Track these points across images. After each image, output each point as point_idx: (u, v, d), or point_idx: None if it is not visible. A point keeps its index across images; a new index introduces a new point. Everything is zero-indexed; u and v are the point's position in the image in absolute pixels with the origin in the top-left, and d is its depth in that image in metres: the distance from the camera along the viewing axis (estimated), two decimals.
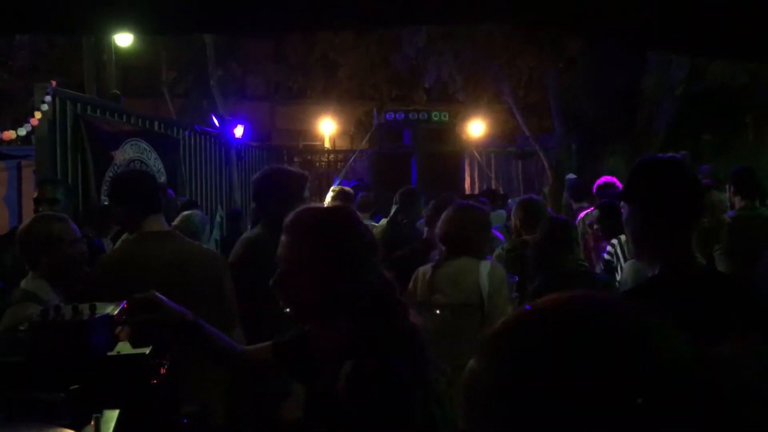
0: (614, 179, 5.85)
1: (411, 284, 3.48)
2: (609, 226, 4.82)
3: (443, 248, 3.53)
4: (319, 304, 1.70)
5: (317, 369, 1.74)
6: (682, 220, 1.90)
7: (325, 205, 1.88)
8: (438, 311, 3.40)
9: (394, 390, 1.54)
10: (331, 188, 6.85)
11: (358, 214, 1.92)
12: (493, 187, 15.23)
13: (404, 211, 5.28)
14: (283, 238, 1.74)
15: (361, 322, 1.66)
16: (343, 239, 1.70)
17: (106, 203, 5.88)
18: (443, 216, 3.58)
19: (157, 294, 1.74)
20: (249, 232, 3.57)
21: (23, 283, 2.87)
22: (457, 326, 3.32)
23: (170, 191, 6.72)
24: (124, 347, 1.54)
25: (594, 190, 6.20)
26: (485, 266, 3.48)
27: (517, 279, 4.18)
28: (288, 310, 1.75)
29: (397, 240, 4.84)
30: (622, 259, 4.61)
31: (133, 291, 1.71)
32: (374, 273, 1.73)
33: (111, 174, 6.97)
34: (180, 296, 1.80)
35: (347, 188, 6.79)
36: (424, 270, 3.50)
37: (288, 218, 1.76)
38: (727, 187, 5.60)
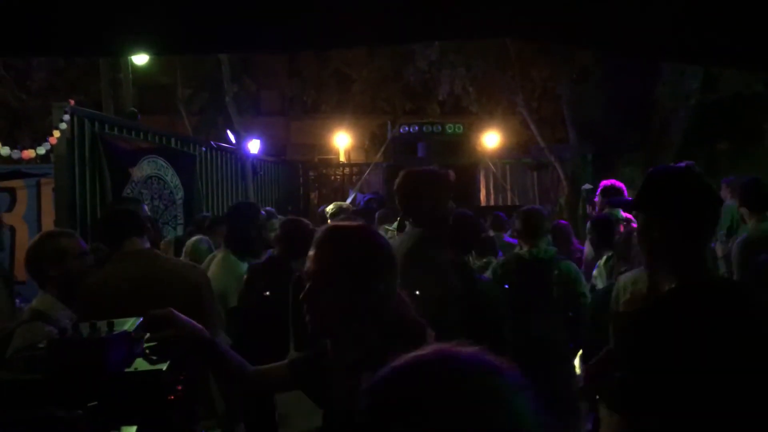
0: (621, 184, 5.71)
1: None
2: (600, 240, 4.79)
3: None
4: (342, 318, 1.74)
5: (335, 385, 1.76)
6: (699, 231, 1.87)
7: (348, 223, 1.90)
8: None
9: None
10: (332, 204, 6.86)
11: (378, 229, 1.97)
12: (509, 198, 15.20)
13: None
14: (311, 252, 1.78)
15: (379, 335, 1.69)
16: (367, 255, 1.74)
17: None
18: None
19: (174, 311, 1.77)
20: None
21: (34, 302, 2.93)
22: None
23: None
24: (141, 364, 1.57)
25: (598, 192, 6.04)
26: None
27: (507, 287, 4.20)
28: (311, 324, 1.78)
29: None
30: (599, 281, 4.59)
31: (116, 310, 1.73)
32: (393, 290, 1.77)
33: (129, 191, 7.05)
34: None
35: (344, 204, 6.78)
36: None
37: (317, 234, 1.81)
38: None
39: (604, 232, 4.71)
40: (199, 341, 1.80)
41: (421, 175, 3.46)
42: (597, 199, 5.74)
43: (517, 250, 4.55)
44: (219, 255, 4.43)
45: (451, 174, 3.55)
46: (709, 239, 1.92)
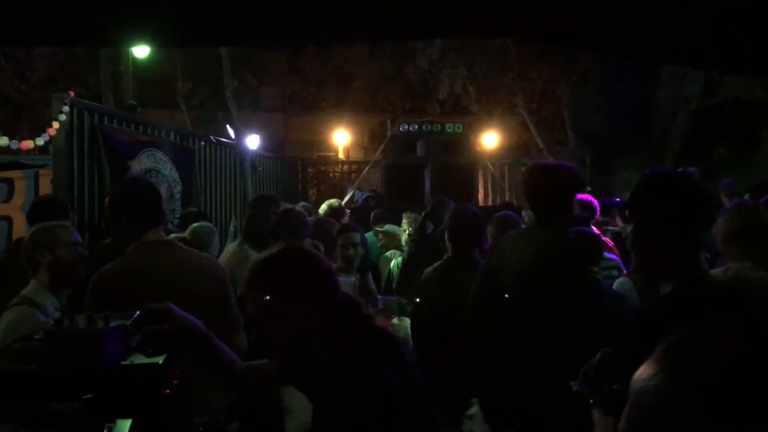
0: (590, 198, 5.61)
1: None
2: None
3: None
4: (296, 344, 1.78)
5: (321, 384, 1.78)
6: (694, 234, 1.87)
7: (278, 249, 1.89)
8: None
9: (387, 398, 1.59)
10: (325, 202, 6.85)
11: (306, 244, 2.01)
12: (507, 198, 15.19)
13: (434, 218, 5.23)
14: (247, 295, 1.83)
15: (339, 344, 1.72)
16: (299, 281, 1.76)
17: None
18: None
19: (170, 304, 1.77)
20: None
21: (24, 291, 3.02)
22: None
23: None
24: (137, 357, 1.56)
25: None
26: None
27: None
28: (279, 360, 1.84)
29: (427, 252, 4.80)
30: None
31: (137, 300, 1.73)
32: (336, 295, 1.80)
33: None
34: (184, 304, 1.82)
35: (336, 203, 6.76)
36: None
37: (245, 276, 1.82)
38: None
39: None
40: (195, 335, 1.80)
41: (548, 170, 3.31)
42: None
43: None
44: (234, 246, 4.44)
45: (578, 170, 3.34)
46: (704, 242, 1.91)
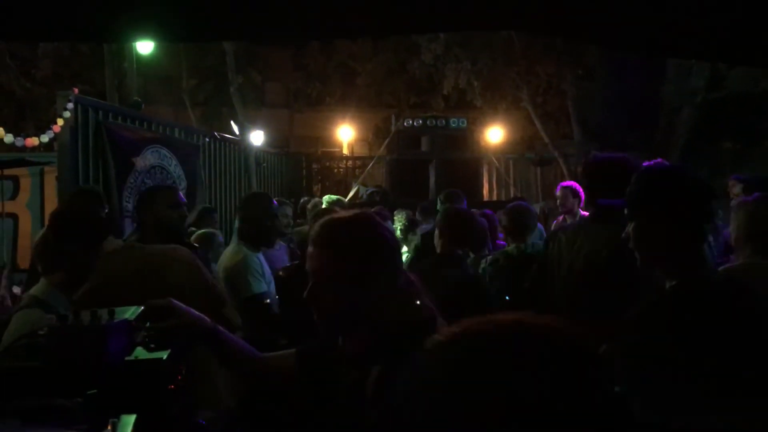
0: (578, 186, 5.50)
1: None
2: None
3: None
4: (347, 314, 1.71)
5: (342, 377, 1.75)
6: (696, 228, 1.85)
7: (344, 214, 1.85)
8: None
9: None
10: (324, 198, 6.85)
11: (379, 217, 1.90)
12: (512, 193, 15.17)
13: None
14: (309, 249, 1.74)
15: (387, 327, 1.67)
16: (366, 247, 1.70)
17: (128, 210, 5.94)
18: None
19: (174, 300, 1.76)
20: None
21: (33, 290, 2.97)
22: None
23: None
24: (141, 352, 1.56)
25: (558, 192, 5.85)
26: None
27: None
28: (318, 321, 1.76)
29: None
30: None
31: (111, 305, 1.70)
32: (399, 276, 1.74)
33: (132, 180, 7.04)
34: (166, 294, 1.80)
35: (335, 199, 6.77)
36: None
37: (313, 230, 1.77)
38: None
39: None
40: (201, 330, 1.79)
41: (604, 163, 3.16)
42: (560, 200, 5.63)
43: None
44: (231, 247, 4.44)
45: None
46: (707, 235, 1.89)
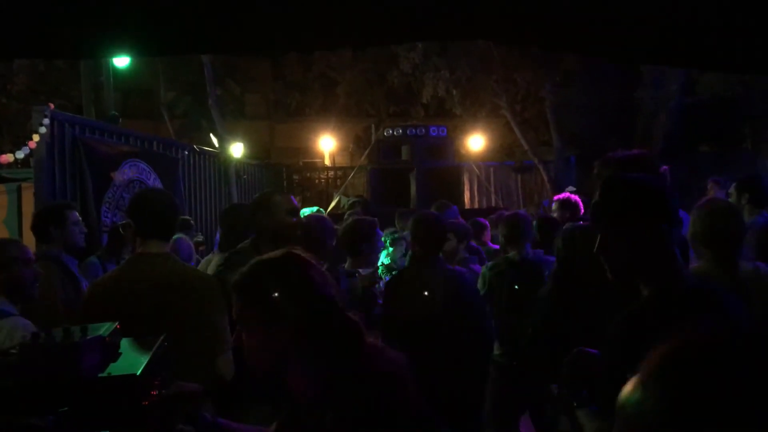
0: (576, 197, 5.59)
1: None
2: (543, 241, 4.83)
3: None
4: (279, 362, 1.62)
5: (302, 418, 1.64)
6: (667, 235, 1.85)
7: (273, 255, 1.74)
8: None
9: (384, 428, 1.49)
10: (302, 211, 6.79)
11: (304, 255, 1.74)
12: (493, 201, 15.24)
13: None
14: (233, 299, 1.67)
15: (331, 368, 1.57)
16: (292, 293, 1.60)
17: (114, 224, 5.89)
18: None
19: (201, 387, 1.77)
20: None
21: None
22: None
23: None
24: (114, 369, 1.54)
25: (553, 206, 5.91)
26: None
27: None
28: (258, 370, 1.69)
29: None
30: None
31: (115, 313, 1.68)
32: (335, 311, 1.63)
33: (110, 194, 6.98)
34: (155, 319, 1.79)
35: (317, 210, 6.71)
36: None
37: (235, 278, 1.68)
38: (731, 194, 5.30)
39: (551, 232, 4.67)
40: (203, 427, 1.76)
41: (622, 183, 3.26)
42: (556, 213, 5.68)
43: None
44: (214, 259, 4.41)
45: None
46: (676, 241, 1.88)
